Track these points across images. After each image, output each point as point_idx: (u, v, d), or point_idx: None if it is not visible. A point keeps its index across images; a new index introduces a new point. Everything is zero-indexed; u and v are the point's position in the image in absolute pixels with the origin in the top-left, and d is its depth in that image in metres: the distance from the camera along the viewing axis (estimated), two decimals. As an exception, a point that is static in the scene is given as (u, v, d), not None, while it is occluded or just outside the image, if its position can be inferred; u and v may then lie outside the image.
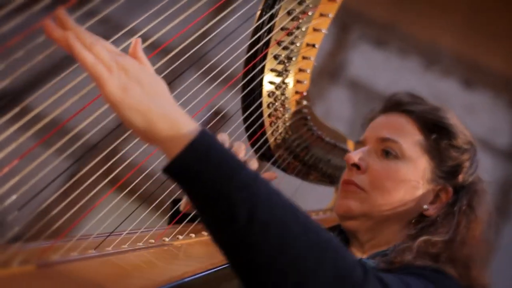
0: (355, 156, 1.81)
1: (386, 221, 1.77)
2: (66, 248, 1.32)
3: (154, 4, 1.41)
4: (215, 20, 1.56)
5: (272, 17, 1.75)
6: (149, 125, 1.17)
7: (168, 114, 1.18)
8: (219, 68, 1.64)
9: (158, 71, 1.32)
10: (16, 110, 1.16)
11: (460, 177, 1.77)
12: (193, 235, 1.74)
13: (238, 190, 1.14)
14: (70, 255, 1.32)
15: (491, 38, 5.08)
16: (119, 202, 1.61)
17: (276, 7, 1.74)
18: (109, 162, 1.50)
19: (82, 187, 1.46)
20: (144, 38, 1.33)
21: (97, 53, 1.16)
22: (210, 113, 1.75)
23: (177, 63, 1.49)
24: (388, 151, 1.79)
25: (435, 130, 1.78)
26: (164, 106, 1.18)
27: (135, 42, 1.27)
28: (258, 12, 1.75)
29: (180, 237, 1.70)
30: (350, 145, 2.35)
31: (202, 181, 1.15)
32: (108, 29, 1.38)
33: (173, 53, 1.43)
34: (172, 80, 1.50)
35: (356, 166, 1.80)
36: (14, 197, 1.19)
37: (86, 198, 1.50)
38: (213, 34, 1.62)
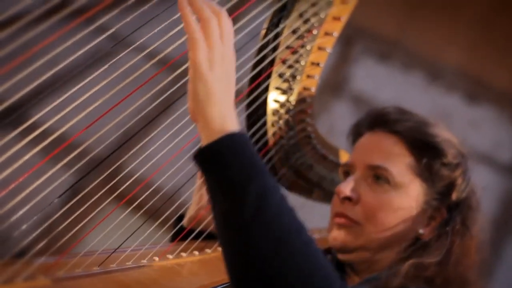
0: (345, 188, 1.74)
1: (382, 251, 1.73)
2: (71, 264, 1.34)
3: (163, 20, 1.41)
4: None
5: (277, 36, 1.76)
6: (205, 103, 1.28)
7: (227, 106, 1.30)
8: None
9: (166, 87, 1.35)
10: (24, 126, 1.17)
11: (454, 195, 1.73)
12: (196, 253, 1.74)
13: (257, 186, 1.22)
14: (75, 272, 1.34)
15: (496, 54, 5.08)
16: (125, 218, 1.61)
17: (281, 25, 1.75)
18: (116, 178, 1.51)
19: (88, 203, 1.47)
20: (153, 54, 1.34)
21: (208, 27, 1.28)
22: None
23: (184, 80, 1.50)
24: (379, 177, 1.73)
25: (425, 150, 1.72)
26: (227, 98, 1.30)
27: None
28: (263, 31, 1.76)
29: (184, 254, 1.70)
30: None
31: (231, 167, 1.24)
32: (117, 44, 1.38)
33: (181, 69, 1.44)
34: (179, 97, 1.51)
35: (348, 198, 1.75)
36: (20, 212, 1.20)
37: (92, 214, 1.50)
38: None
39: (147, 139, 1.55)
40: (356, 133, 1.88)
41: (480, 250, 1.73)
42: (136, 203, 1.63)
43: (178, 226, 1.90)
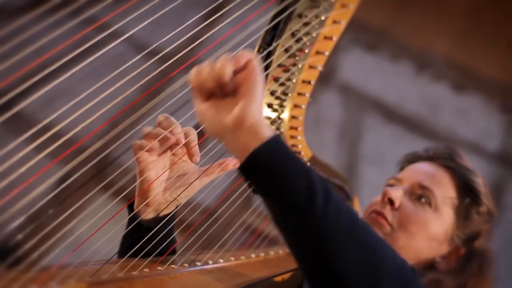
0: (393, 192, 1.89)
1: None
2: (64, 275, 1.34)
3: (153, 12, 1.40)
4: (205, 24, 1.58)
5: (269, 54, 1.75)
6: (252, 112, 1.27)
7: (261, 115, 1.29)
8: None
9: (154, 78, 1.34)
10: (9, 115, 1.17)
11: (476, 243, 1.89)
12: (186, 265, 1.74)
13: (315, 177, 1.25)
14: (67, 283, 1.33)
15: (484, 44, 5.08)
16: (112, 207, 1.61)
17: (274, 44, 1.75)
18: (104, 168, 1.51)
19: (75, 193, 1.47)
20: (141, 45, 1.33)
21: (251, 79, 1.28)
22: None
23: (174, 72, 1.50)
24: (423, 197, 1.88)
25: (469, 193, 1.90)
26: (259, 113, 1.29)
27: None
28: (256, 49, 1.75)
29: (174, 266, 1.70)
30: (342, 178, 2.33)
31: (288, 163, 1.25)
32: (95, 29, 1.37)
33: (170, 61, 1.45)
34: (167, 88, 1.50)
35: (391, 202, 1.88)
36: (17, 222, 1.20)
37: (80, 202, 1.50)
38: (203, 38, 1.62)
39: (135, 129, 1.55)
40: (408, 160, 2.08)
41: None
42: (124, 193, 1.63)
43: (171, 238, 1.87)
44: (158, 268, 1.64)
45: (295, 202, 1.24)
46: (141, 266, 1.60)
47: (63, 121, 1.26)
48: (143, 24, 1.38)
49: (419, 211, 1.87)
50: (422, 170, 1.97)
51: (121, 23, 1.34)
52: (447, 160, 1.96)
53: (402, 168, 2.07)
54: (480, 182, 1.94)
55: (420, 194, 1.89)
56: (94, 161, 1.43)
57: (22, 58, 1.15)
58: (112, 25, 1.35)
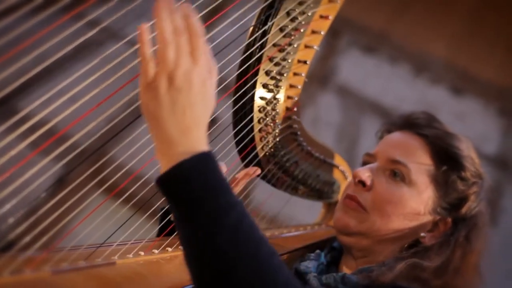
0: (362, 173, 1.81)
1: (382, 243, 1.78)
2: (57, 258, 1.33)
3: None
4: (204, 25, 1.58)
5: (264, 34, 1.75)
6: (152, 132, 1.23)
7: (172, 135, 1.22)
8: None
9: None
10: (13, 118, 1.17)
11: (463, 210, 1.77)
12: (181, 248, 1.74)
13: (209, 209, 1.20)
14: (61, 266, 1.33)
15: (483, 47, 5.10)
16: (113, 210, 1.61)
17: (269, 23, 1.74)
18: (105, 170, 1.51)
19: (77, 196, 1.47)
20: (133, 39, 1.33)
21: (162, 52, 1.19)
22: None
23: None
24: (396, 173, 1.78)
25: (447, 160, 1.78)
26: (175, 128, 1.21)
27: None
28: (251, 28, 1.76)
29: (169, 249, 1.70)
30: (338, 159, 2.35)
31: (179, 193, 1.21)
32: (97, 32, 1.38)
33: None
34: None
35: (362, 183, 1.81)
36: (8, 206, 1.20)
37: (81, 207, 1.50)
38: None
39: (136, 132, 1.55)
40: (385, 130, 1.95)
41: (479, 268, 1.76)
42: (125, 195, 1.63)
43: (164, 221, 1.90)
44: (153, 251, 1.65)
45: (184, 231, 1.23)
46: (136, 249, 1.60)
47: (58, 117, 1.26)
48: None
49: (393, 188, 1.77)
50: (394, 142, 1.86)
51: (121, 23, 1.34)
52: (422, 127, 1.84)
53: (381, 138, 1.97)
54: (461, 145, 1.81)
55: (393, 170, 1.79)
56: (88, 156, 1.43)
57: (25, 62, 1.15)
58: (114, 28, 1.36)
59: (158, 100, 1.20)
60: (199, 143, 1.23)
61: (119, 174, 1.52)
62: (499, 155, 5.03)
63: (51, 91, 1.24)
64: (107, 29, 1.37)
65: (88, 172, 1.46)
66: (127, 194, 1.59)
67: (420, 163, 1.78)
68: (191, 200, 1.21)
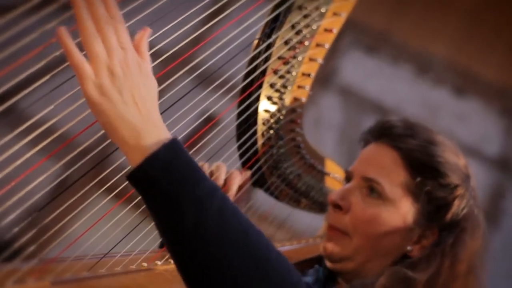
0: (335, 196, 1.78)
1: (368, 263, 1.76)
2: (60, 269, 1.33)
3: (156, 14, 1.40)
4: (208, 25, 1.57)
5: (269, 46, 1.75)
6: (113, 131, 1.22)
7: (136, 125, 1.22)
8: (207, 72, 1.69)
9: (157, 81, 1.33)
10: (13, 117, 1.17)
11: (448, 217, 1.73)
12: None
13: (190, 199, 1.22)
14: (64, 276, 1.33)
15: (484, 47, 5.08)
16: (122, 217, 1.61)
17: (274, 36, 1.75)
18: (105, 171, 1.50)
19: (76, 196, 1.46)
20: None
21: (92, 48, 1.18)
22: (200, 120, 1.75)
23: (177, 75, 1.50)
24: (372, 190, 1.75)
25: (422, 170, 1.73)
26: (135, 116, 1.22)
27: (143, 33, 1.27)
28: (255, 41, 1.75)
29: (172, 260, 1.69)
30: (340, 172, 2.34)
31: (159, 187, 1.22)
32: None
33: (173, 64, 1.45)
34: (169, 91, 1.50)
35: (338, 207, 1.78)
36: (13, 216, 1.20)
37: (87, 216, 1.50)
38: (205, 40, 1.62)
39: None
40: (364, 140, 1.90)
41: (472, 275, 1.72)
42: (126, 197, 1.63)
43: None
44: (156, 262, 1.64)
45: (164, 224, 1.25)
46: (139, 260, 1.60)
47: (58, 116, 1.26)
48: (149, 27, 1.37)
49: (370, 207, 1.74)
50: (368, 158, 1.82)
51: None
52: (397, 137, 1.78)
53: (363, 147, 1.89)
54: (439, 152, 1.75)
55: (368, 188, 1.75)
56: (88, 156, 1.43)
57: (26, 60, 1.14)
58: None
59: (108, 95, 1.19)
60: (160, 128, 1.25)
61: (120, 175, 1.52)
62: (501, 156, 5.03)
63: (52, 90, 1.24)
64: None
65: (96, 181, 1.47)
66: (136, 201, 1.60)
67: (393, 178, 1.75)
68: (169, 193, 1.22)
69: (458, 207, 1.73)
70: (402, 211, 1.73)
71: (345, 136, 4.92)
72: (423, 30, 5.12)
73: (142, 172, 1.22)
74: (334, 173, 2.29)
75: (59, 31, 1.16)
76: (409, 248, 1.73)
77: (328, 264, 1.82)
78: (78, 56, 1.18)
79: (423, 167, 1.74)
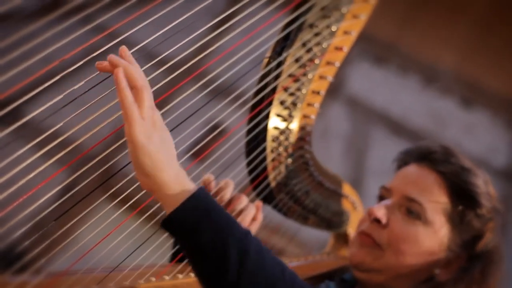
0: (378, 211, 1.81)
1: (396, 279, 1.79)
2: (71, 281, 1.36)
3: (162, 21, 1.40)
4: (214, 34, 1.58)
5: (279, 64, 1.76)
6: (156, 172, 1.30)
7: (175, 167, 1.32)
8: (215, 81, 1.67)
9: (162, 88, 1.36)
10: (18, 122, 1.17)
11: (479, 247, 1.77)
12: (192, 275, 1.74)
13: (234, 243, 1.30)
14: None
15: (492, 58, 5.07)
16: (118, 217, 1.61)
17: (284, 54, 1.75)
18: (110, 176, 1.50)
19: (94, 219, 1.48)
20: (150, 54, 1.34)
21: (142, 96, 1.27)
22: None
23: (183, 82, 1.51)
24: (412, 211, 1.78)
25: (463, 198, 1.77)
26: (173, 160, 1.32)
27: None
28: (266, 60, 1.76)
29: (180, 276, 1.69)
30: (347, 189, 2.34)
31: (203, 231, 1.30)
32: (105, 37, 1.37)
33: (179, 71, 1.47)
34: (175, 98, 1.51)
35: (377, 221, 1.80)
36: (23, 229, 1.20)
37: (99, 228, 1.50)
38: (212, 48, 1.62)
39: None
40: (403, 160, 1.94)
41: None
42: (131, 202, 1.63)
43: (176, 247, 1.89)
44: (164, 277, 1.64)
45: (208, 270, 1.32)
46: (148, 274, 1.60)
47: (71, 129, 1.27)
48: (155, 35, 1.38)
49: (408, 226, 1.77)
50: (410, 178, 1.84)
51: (131, 31, 1.34)
52: (439, 162, 1.82)
53: (399, 167, 1.95)
54: (478, 181, 1.79)
55: (409, 208, 1.78)
56: (101, 170, 1.43)
57: (31, 65, 1.15)
58: (122, 33, 1.35)
59: (152, 140, 1.29)
60: (185, 178, 1.34)
61: (124, 181, 1.52)
62: (508, 168, 5.02)
63: (59, 96, 1.24)
64: (116, 36, 1.37)
65: (107, 194, 1.48)
66: (148, 213, 1.60)
67: (436, 202, 1.77)
68: (203, 242, 1.29)
69: (488, 239, 1.78)
70: (439, 235, 1.77)
71: (352, 146, 4.92)
72: (431, 41, 5.11)
73: (184, 213, 1.30)
74: (341, 189, 2.29)
75: (117, 73, 1.25)
76: (437, 271, 1.77)
77: (355, 273, 1.85)
78: (130, 99, 1.26)
79: (464, 195, 1.77)
